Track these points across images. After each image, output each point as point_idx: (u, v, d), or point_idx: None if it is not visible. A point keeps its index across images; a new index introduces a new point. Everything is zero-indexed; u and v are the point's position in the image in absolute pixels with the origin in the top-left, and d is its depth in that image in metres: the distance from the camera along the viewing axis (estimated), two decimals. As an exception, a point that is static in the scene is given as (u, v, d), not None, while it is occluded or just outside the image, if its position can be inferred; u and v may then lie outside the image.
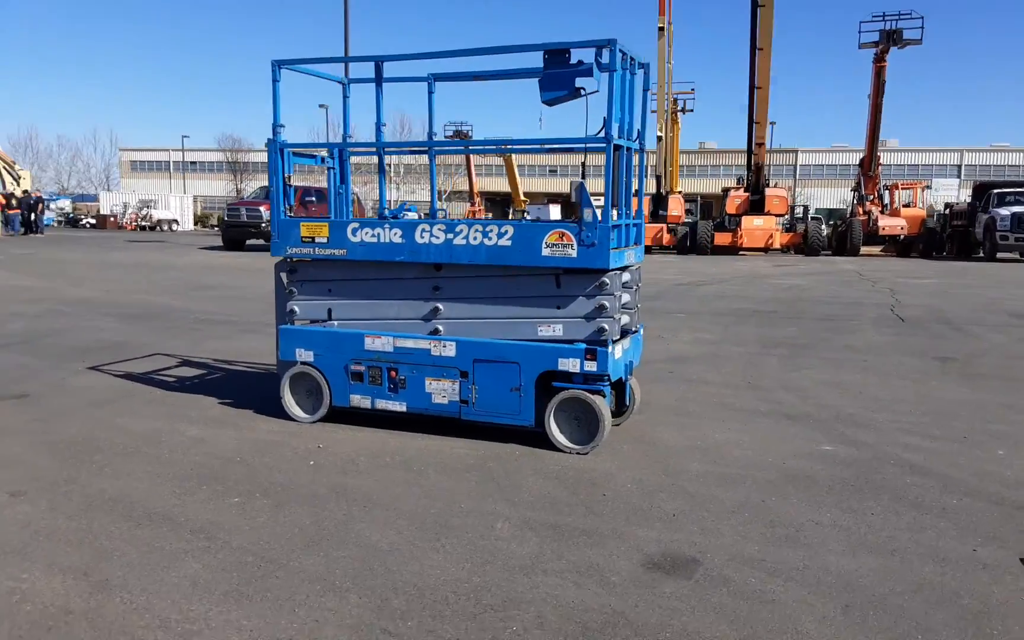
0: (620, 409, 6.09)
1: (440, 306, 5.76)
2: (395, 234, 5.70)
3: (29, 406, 6.53)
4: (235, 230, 28.13)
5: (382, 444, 5.59)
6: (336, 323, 6.08)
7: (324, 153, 6.59)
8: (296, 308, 6.18)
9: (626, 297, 5.81)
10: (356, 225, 5.82)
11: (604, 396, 5.44)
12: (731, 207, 34.84)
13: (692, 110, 39.44)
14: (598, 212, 5.38)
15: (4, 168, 55.90)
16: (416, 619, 3.26)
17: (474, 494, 4.66)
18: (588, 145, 5.53)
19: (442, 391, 5.74)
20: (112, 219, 54.64)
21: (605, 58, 5.16)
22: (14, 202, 35.92)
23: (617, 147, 5.40)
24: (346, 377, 5.98)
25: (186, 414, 6.33)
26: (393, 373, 5.84)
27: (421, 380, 5.77)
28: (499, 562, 3.77)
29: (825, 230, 35.08)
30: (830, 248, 33.53)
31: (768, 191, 34.53)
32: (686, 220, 36.30)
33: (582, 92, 5.47)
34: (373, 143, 6.03)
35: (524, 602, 3.40)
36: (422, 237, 5.62)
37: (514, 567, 3.73)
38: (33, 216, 36.07)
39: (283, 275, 6.19)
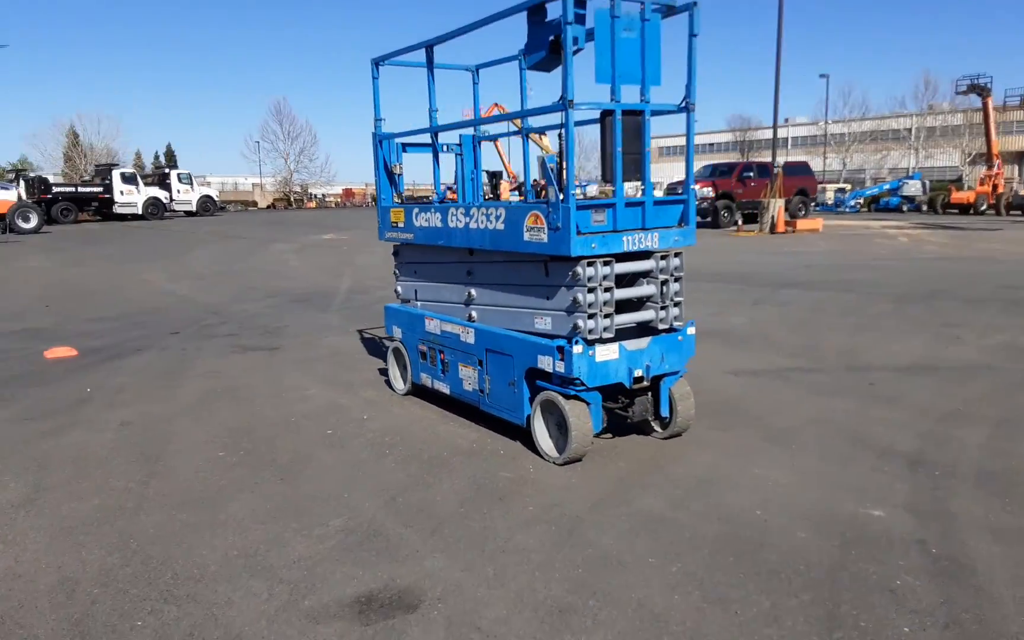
0: (663, 421, 4.98)
1: (473, 291, 5.41)
2: (436, 218, 5.51)
3: (252, 358, 7.90)
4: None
5: (406, 424, 5.51)
6: (419, 303, 6.12)
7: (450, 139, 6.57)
8: (399, 288, 6.38)
9: (644, 289, 4.72)
10: (417, 210, 5.78)
11: (584, 403, 4.54)
12: None
13: None
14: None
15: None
16: (98, 586, 3.34)
17: (375, 487, 4.36)
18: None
19: (469, 378, 5.40)
20: (626, 200, 59.55)
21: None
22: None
23: (608, 112, 4.42)
24: (418, 355, 6.00)
25: (340, 377, 6.99)
26: (442, 355, 5.68)
27: (456, 365, 5.51)
28: (256, 558, 3.57)
29: None
30: None
31: None
32: None
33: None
34: (427, 129, 5.84)
35: (190, 598, 3.22)
36: (453, 221, 5.33)
37: (252, 566, 3.49)
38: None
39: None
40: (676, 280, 4.80)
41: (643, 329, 4.81)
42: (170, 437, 5.35)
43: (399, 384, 6.37)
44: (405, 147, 6.39)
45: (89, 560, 3.59)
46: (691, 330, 4.90)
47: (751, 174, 27.96)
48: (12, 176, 44.56)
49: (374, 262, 18.25)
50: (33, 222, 32.17)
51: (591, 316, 4.46)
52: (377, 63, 6.10)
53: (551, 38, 4.59)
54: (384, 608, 3.10)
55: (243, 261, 19.07)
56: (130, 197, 42.23)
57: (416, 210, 5.78)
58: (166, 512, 4.11)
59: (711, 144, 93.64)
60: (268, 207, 77.05)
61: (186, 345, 8.57)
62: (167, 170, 50.37)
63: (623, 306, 4.71)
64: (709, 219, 27.54)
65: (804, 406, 5.67)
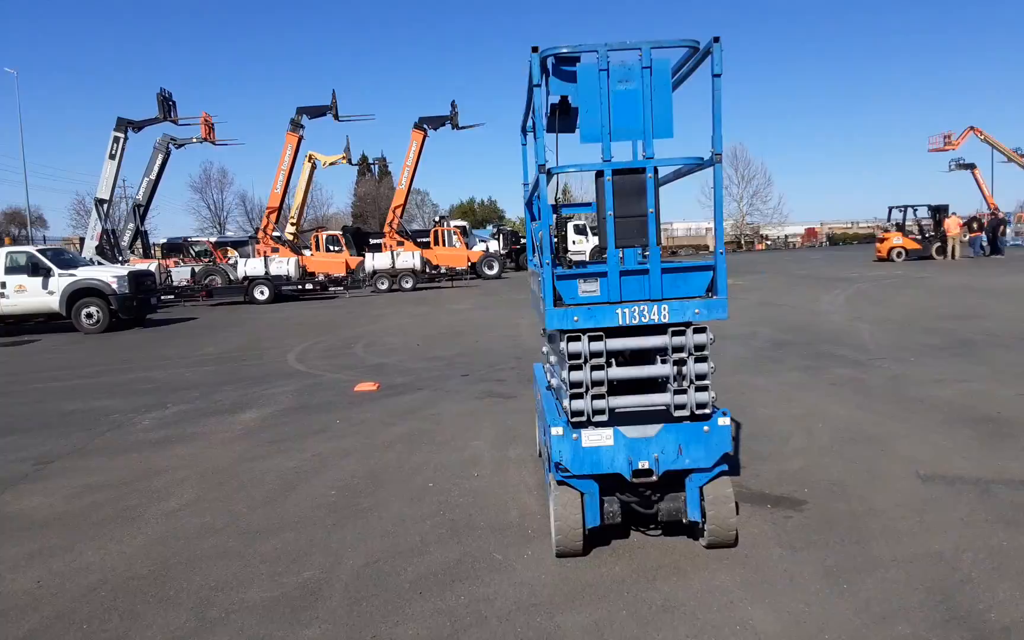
0: (700, 526, 4.11)
1: (552, 358, 5.13)
2: (534, 282, 5.38)
3: (481, 404, 8.36)
4: None
5: (494, 488, 5.49)
6: (547, 365, 5.96)
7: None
8: (543, 347, 6.29)
9: (653, 369, 4.01)
10: (533, 271, 5.68)
11: (576, 492, 4.03)
12: None
13: None
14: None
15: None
16: (108, 583, 4.13)
17: (372, 549, 4.51)
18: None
19: (542, 447, 5.13)
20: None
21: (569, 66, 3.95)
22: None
23: (600, 174, 3.93)
24: (537, 416, 5.87)
25: (519, 431, 7.09)
26: (538, 420, 5.48)
27: (541, 431, 5.28)
28: (200, 595, 4.02)
29: None
30: None
31: None
32: None
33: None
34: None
35: (116, 614, 3.79)
36: (534, 284, 5.16)
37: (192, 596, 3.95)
38: (993, 236, 34.60)
39: None
40: (699, 360, 3.98)
41: (665, 415, 4.08)
42: (323, 471, 6.13)
43: (536, 445, 6.28)
44: (557, 209, 6.29)
45: (136, 561, 4.44)
46: (723, 421, 4.00)
47: None
48: (495, 230, 52.83)
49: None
50: (495, 270, 37.84)
51: (575, 396, 3.98)
52: (524, 130, 6.16)
53: (556, 100, 4.25)
54: None
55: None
56: (580, 246, 46.84)
57: (533, 271, 5.70)
58: (227, 538, 4.81)
59: None
60: (719, 251, 77.59)
61: (453, 387, 9.47)
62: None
63: (633, 386, 4.09)
64: None
65: (947, 537, 4.13)
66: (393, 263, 32.09)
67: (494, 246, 44.67)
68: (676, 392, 4.01)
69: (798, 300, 18.65)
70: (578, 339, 3.97)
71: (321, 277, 32.30)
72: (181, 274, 32.06)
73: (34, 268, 20.12)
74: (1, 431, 8.21)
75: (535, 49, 3.85)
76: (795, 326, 13.45)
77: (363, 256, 36.07)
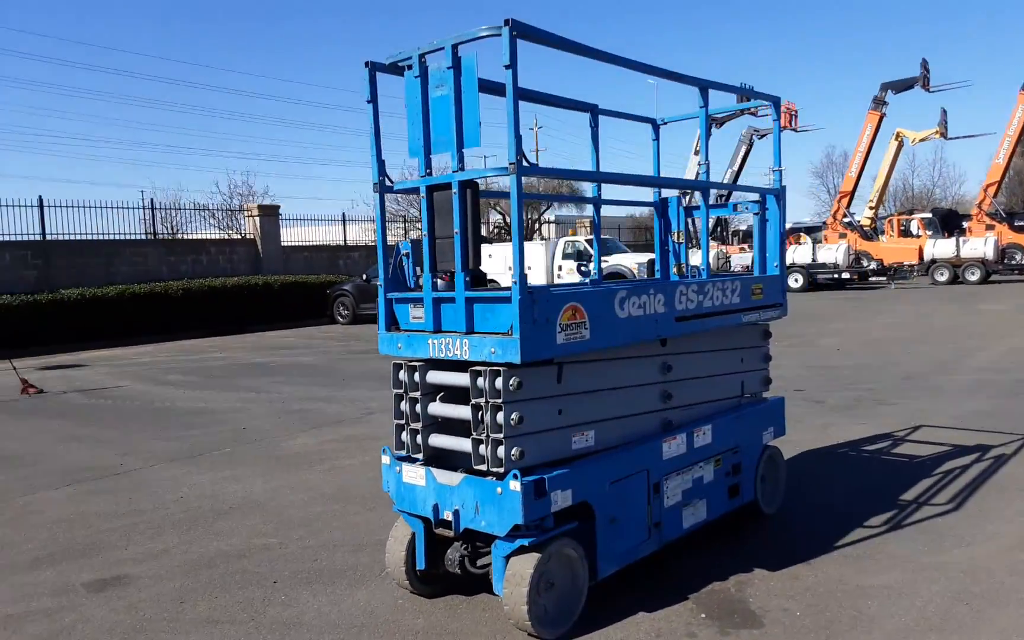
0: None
1: None
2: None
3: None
4: None
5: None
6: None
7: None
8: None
9: (455, 410, 3.40)
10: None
11: (408, 527, 3.70)
12: None
13: None
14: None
15: None
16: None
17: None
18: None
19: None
20: None
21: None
22: None
23: (433, 187, 3.50)
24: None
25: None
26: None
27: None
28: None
29: None
30: None
31: None
32: None
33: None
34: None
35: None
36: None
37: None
38: None
39: None
40: (497, 409, 3.19)
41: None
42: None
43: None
44: (689, 211, 5.26)
45: (263, 495, 5.65)
46: (514, 484, 3.12)
47: None
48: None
49: None
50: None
51: (399, 427, 3.66)
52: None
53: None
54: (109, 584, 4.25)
55: None
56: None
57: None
58: (317, 497, 5.66)
59: None
60: None
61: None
62: None
63: (455, 427, 3.53)
64: None
65: None
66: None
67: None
68: (474, 441, 3.32)
69: None
70: (401, 368, 3.64)
71: (872, 265, 29.73)
72: (743, 261, 31.98)
73: (578, 254, 23.61)
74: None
75: (367, 64, 3.62)
76: None
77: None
